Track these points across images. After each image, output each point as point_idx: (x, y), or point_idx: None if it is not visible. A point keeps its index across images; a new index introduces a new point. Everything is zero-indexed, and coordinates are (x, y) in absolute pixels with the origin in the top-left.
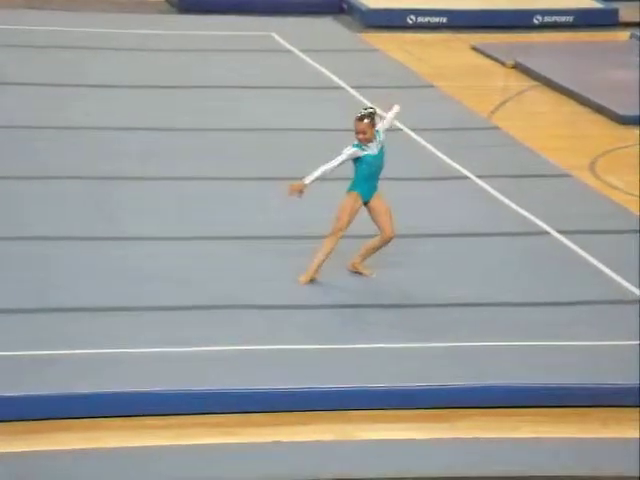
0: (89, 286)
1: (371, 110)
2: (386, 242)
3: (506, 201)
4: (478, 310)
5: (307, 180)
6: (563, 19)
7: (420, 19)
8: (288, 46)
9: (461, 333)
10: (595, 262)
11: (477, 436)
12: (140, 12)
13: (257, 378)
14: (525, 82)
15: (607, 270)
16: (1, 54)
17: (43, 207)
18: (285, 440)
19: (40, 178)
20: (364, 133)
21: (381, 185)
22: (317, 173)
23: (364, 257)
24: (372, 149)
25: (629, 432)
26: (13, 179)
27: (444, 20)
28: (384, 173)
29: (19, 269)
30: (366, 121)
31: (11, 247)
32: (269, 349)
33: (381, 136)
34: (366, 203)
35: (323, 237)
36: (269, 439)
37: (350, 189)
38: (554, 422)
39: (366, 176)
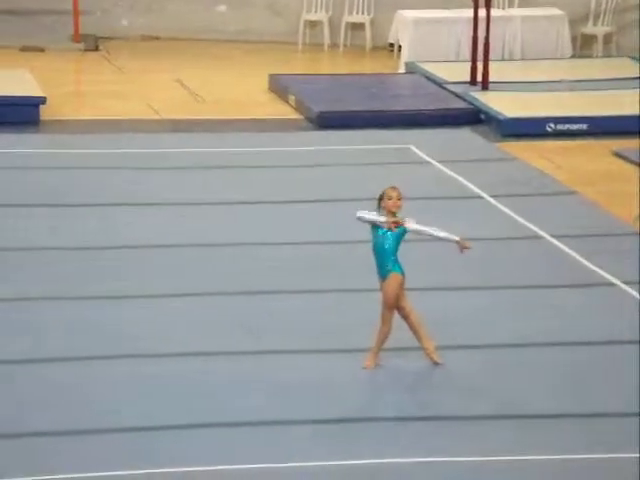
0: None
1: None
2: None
3: None
4: None
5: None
6: None
7: (560, 126)
8: (426, 158)
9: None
10: None
11: None
12: (281, 130)
13: None
14: None
15: None
16: (151, 176)
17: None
18: None
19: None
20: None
21: (524, 293)
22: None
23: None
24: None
25: None
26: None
27: (584, 127)
28: (525, 281)
29: None
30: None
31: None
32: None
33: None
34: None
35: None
36: None
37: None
38: None
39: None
